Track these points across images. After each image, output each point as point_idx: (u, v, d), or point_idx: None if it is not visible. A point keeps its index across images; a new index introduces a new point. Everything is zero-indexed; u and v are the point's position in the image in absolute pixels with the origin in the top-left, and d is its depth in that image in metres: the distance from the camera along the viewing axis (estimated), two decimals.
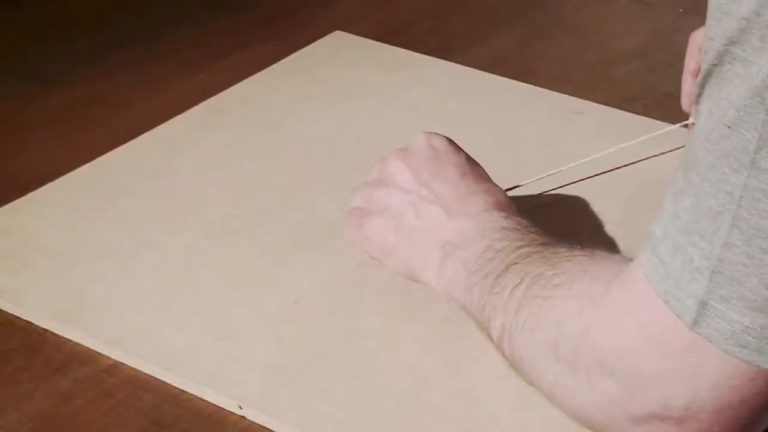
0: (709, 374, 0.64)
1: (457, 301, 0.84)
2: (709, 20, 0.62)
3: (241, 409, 0.80)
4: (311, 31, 1.24)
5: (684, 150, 0.66)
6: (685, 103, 1.06)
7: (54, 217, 0.98)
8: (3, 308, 0.89)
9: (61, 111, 1.13)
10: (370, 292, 0.89)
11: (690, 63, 1.05)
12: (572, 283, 0.72)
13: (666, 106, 1.12)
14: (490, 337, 0.79)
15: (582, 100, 1.12)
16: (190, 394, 0.81)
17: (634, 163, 1.03)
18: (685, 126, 1.04)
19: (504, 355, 0.78)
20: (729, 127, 0.60)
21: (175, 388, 0.82)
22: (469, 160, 0.91)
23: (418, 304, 0.88)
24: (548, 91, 1.14)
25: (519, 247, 0.80)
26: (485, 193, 0.88)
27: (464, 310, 0.83)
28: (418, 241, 0.87)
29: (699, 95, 0.64)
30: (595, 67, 1.19)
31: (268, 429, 0.79)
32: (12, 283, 0.90)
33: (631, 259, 0.70)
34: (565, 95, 1.13)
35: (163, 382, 0.82)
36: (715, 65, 0.62)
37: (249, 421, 0.79)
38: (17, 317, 0.88)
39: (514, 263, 0.78)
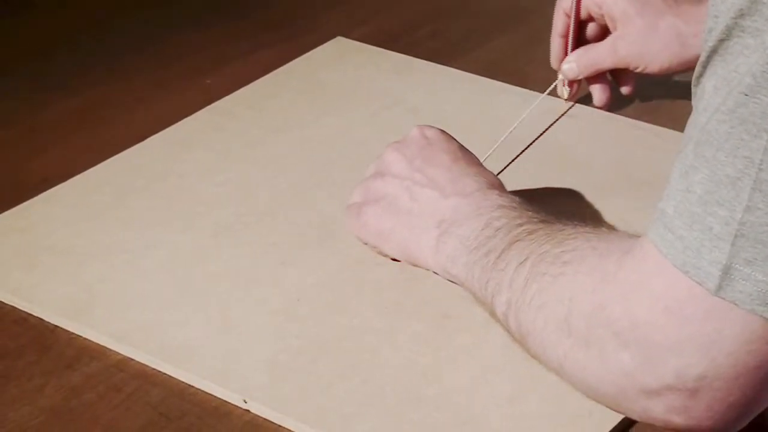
0: (726, 340, 0.64)
1: (455, 278, 0.84)
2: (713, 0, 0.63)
3: (245, 402, 0.80)
4: (313, 37, 1.24)
5: (686, 130, 0.66)
6: (555, 63, 1.12)
7: (65, 216, 0.98)
8: (15, 305, 0.89)
9: (72, 115, 1.13)
10: (371, 290, 0.89)
11: (558, 25, 1.10)
12: (582, 260, 0.72)
13: (656, 110, 1.12)
14: (493, 312, 0.79)
15: (575, 104, 1.12)
16: (197, 389, 0.81)
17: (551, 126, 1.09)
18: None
19: (509, 331, 0.78)
20: (746, 95, 0.61)
21: (182, 382, 0.82)
22: (461, 147, 0.92)
23: (418, 302, 0.88)
24: (543, 95, 1.14)
25: (519, 225, 0.80)
26: (478, 175, 0.88)
27: (463, 286, 0.83)
28: (413, 222, 0.88)
29: (700, 75, 0.65)
30: None
31: (272, 422, 0.79)
32: (24, 281, 0.90)
33: (637, 235, 0.70)
34: (559, 99, 1.13)
35: (171, 376, 0.82)
36: (721, 40, 0.62)
37: (253, 414, 0.79)
38: (29, 314, 0.88)
39: (517, 240, 0.78)
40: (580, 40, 1.10)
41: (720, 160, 0.63)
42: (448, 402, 0.79)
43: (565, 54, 1.10)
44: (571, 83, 1.11)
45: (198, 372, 0.82)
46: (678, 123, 1.07)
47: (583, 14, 1.09)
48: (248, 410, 0.80)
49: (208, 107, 1.13)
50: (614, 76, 1.12)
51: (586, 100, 1.12)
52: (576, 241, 0.74)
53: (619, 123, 1.10)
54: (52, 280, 0.91)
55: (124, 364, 0.84)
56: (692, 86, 0.66)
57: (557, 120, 1.10)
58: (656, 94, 1.14)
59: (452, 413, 0.78)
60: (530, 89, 1.14)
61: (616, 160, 1.04)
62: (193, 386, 0.81)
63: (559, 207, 0.95)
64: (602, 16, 1.08)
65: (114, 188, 1.01)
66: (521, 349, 0.77)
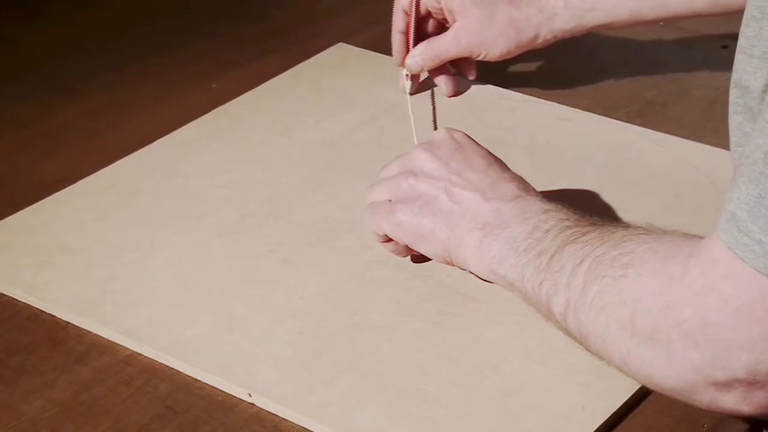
0: None
1: (502, 278, 0.83)
2: None
3: (250, 396, 0.80)
4: (316, 43, 1.24)
5: (753, 136, 0.66)
6: (397, 59, 1.14)
7: (75, 217, 0.98)
8: (28, 302, 0.89)
9: (82, 118, 1.13)
10: (372, 288, 0.89)
11: (398, 23, 1.12)
12: (643, 263, 0.71)
13: (647, 113, 1.12)
14: (549, 311, 0.78)
15: (569, 108, 1.12)
16: (203, 383, 0.81)
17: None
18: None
19: (567, 330, 0.77)
20: None
21: (189, 376, 0.82)
22: (489, 151, 0.91)
23: (417, 300, 0.88)
24: (538, 99, 1.14)
25: (568, 227, 0.79)
26: (514, 180, 0.88)
27: (510, 286, 0.82)
28: (455, 222, 0.86)
29: None
30: (581, 77, 1.19)
31: (276, 415, 0.79)
32: (37, 279, 0.90)
33: (693, 236, 0.70)
34: (554, 103, 1.13)
35: (178, 371, 0.82)
36: None
37: (258, 408, 0.79)
38: (41, 311, 0.88)
39: (569, 242, 0.77)
40: (420, 35, 1.12)
41: None
42: (445, 396, 0.79)
43: (407, 50, 1.12)
44: (414, 77, 1.13)
45: (204, 366, 0.82)
46: (668, 126, 1.08)
47: (422, 10, 1.11)
48: (253, 404, 0.80)
49: (214, 111, 1.13)
50: (457, 66, 1.14)
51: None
52: (632, 243, 0.73)
53: (611, 126, 1.09)
54: (63, 278, 0.91)
55: (132, 359, 0.84)
56: (761, 92, 0.67)
57: (434, 108, 1.13)
58: (647, 99, 1.14)
59: (450, 407, 0.78)
60: (524, 93, 1.14)
61: (607, 162, 1.04)
62: (199, 380, 0.82)
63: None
64: (441, 10, 1.11)
65: (123, 189, 1.01)
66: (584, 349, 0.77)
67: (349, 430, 0.77)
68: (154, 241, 0.95)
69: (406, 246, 0.89)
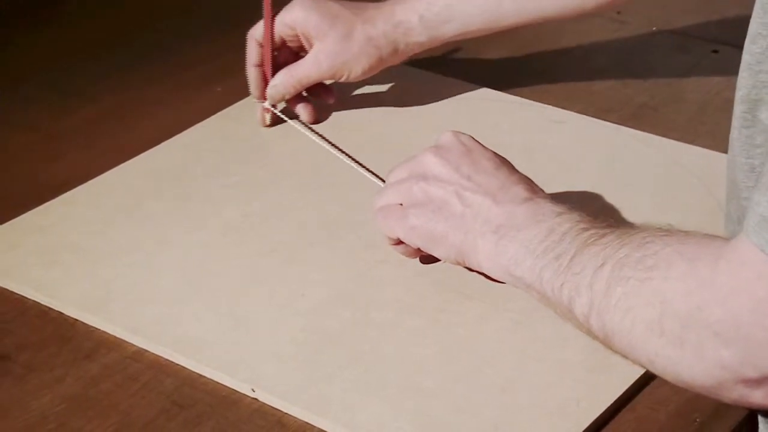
0: None
1: (519, 279, 0.82)
2: None
3: (253, 391, 0.80)
4: None
5: None
6: (255, 92, 1.10)
7: (84, 217, 0.98)
8: (37, 300, 0.89)
9: (90, 121, 1.13)
10: (373, 286, 0.89)
11: (252, 56, 1.10)
12: (669, 266, 0.71)
13: (640, 116, 1.12)
14: (569, 312, 0.77)
15: (564, 111, 1.12)
16: (208, 378, 0.81)
17: None
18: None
19: (590, 330, 0.76)
20: None
21: (194, 372, 0.82)
22: (497, 153, 0.90)
23: (416, 298, 0.88)
24: (533, 102, 1.14)
25: (585, 229, 0.79)
26: (523, 182, 0.87)
27: (528, 287, 0.81)
28: (468, 226, 0.85)
29: None
30: (575, 81, 1.19)
31: (278, 410, 0.79)
32: (46, 277, 0.90)
33: (718, 236, 0.70)
34: (549, 106, 1.13)
35: (183, 367, 0.82)
36: None
37: (261, 402, 0.79)
38: (50, 308, 0.88)
39: (588, 244, 0.77)
40: (274, 67, 1.09)
41: None
42: (444, 392, 0.79)
43: (264, 81, 1.09)
44: (275, 106, 1.10)
45: (209, 363, 0.82)
46: (660, 129, 1.08)
47: (276, 40, 1.08)
48: (256, 399, 0.80)
49: (219, 113, 1.13)
50: (313, 93, 1.12)
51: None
52: (655, 245, 0.73)
53: (604, 128, 1.09)
54: (71, 276, 0.91)
55: (139, 355, 0.84)
56: None
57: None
58: (640, 102, 1.14)
59: (448, 402, 0.78)
60: (522, 96, 1.14)
61: (601, 163, 1.04)
62: (204, 376, 0.82)
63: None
64: (296, 37, 1.08)
65: (129, 190, 1.01)
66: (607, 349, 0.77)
67: (350, 425, 0.77)
68: (159, 241, 0.95)
69: (418, 248, 0.88)
